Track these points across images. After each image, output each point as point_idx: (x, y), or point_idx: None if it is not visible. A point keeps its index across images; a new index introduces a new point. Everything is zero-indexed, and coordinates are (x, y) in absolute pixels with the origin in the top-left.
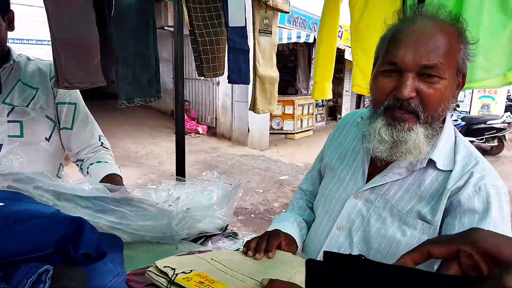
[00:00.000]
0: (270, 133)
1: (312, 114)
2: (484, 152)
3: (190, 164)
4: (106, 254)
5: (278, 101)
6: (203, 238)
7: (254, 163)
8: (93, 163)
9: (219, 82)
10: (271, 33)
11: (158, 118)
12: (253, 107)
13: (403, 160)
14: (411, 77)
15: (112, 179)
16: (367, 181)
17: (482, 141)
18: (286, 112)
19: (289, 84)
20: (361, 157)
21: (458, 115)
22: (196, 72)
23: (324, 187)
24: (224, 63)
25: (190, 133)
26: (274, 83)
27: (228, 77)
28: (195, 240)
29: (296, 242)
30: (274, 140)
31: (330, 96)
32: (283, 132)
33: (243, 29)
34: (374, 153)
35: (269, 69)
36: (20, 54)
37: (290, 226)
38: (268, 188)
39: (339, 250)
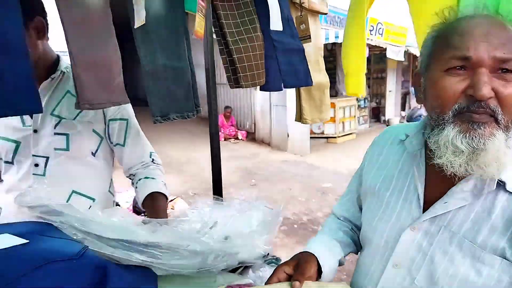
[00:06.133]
0: (310, 137)
1: (355, 116)
2: None
3: (230, 171)
4: None
5: None
6: (242, 267)
7: (295, 170)
8: (141, 179)
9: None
10: (309, 38)
11: (198, 123)
12: (299, 117)
13: (464, 183)
14: (486, 73)
15: (155, 198)
16: (424, 210)
17: None
18: None
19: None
20: (413, 181)
21: None
22: None
23: (370, 216)
24: (264, 71)
25: (230, 139)
26: (324, 89)
27: (284, 82)
28: (234, 270)
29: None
30: (315, 144)
31: (364, 92)
32: (324, 136)
33: (291, 29)
34: (448, 169)
35: (316, 74)
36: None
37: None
38: (310, 197)
39: None
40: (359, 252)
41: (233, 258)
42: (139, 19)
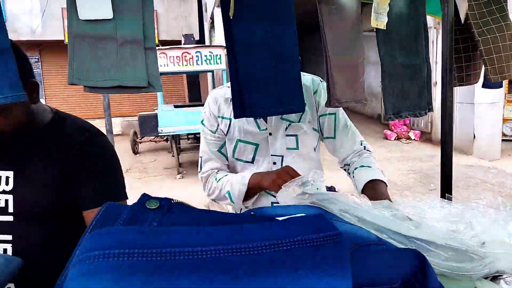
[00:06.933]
0: (502, 140)
1: None
2: None
3: (403, 173)
4: None
5: (511, 100)
6: (491, 276)
7: (483, 176)
8: (357, 167)
9: (435, 82)
10: None
11: (364, 122)
12: None
13: None
14: None
15: (375, 185)
16: None
17: None
18: None
19: None
20: None
21: None
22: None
23: None
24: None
25: (400, 139)
26: None
27: None
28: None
29: None
30: (508, 149)
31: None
32: None
33: None
34: None
35: None
36: None
37: None
38: None
39: None
40: None
41: (494, 265)
42: (382, 24)
